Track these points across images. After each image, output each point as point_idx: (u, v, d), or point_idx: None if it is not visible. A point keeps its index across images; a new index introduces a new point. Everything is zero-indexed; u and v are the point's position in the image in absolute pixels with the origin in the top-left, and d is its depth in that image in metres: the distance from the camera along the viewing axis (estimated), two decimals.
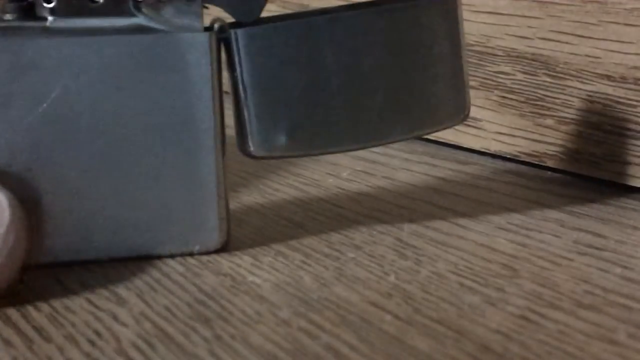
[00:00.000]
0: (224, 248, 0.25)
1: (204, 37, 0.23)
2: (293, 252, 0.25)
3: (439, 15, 0.25)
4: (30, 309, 0.21)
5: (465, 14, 0.34)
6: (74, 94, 0.23)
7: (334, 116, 0.25)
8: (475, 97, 0.35)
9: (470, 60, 0.35)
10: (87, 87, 0.23)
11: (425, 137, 0.37)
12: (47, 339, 0.20)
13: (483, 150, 0.35)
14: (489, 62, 0.34)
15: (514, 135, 0.33)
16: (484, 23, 0.34)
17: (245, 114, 0.24)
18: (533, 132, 0.32)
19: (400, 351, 0.19)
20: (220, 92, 0.24)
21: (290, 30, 0.24)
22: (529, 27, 0.32)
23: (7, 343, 0.20)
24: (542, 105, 0.32)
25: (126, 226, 0.24)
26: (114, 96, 0.23)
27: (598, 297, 0.21)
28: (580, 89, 0.31)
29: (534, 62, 0.32)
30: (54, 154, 0.23)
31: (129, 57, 0.23)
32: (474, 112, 0.35)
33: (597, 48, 0.30)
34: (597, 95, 0.30)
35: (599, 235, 0.25)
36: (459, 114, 0.26)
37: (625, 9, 0.29)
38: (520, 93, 0.33)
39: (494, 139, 0.34)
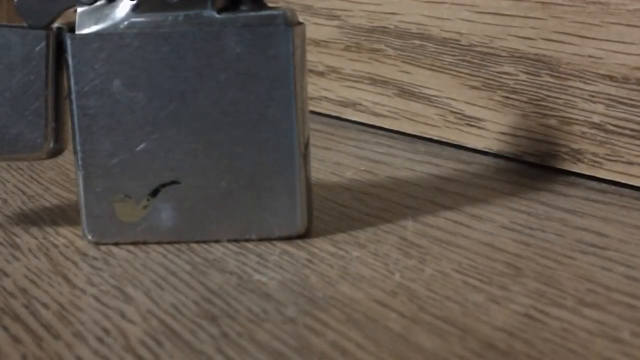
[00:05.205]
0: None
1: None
2: (298, 251, 0.25)
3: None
4: (38, 306, 0.22)
5: (469, 15, 0.34)
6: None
7: None
8: (479, 97, 0.35)
9: (473, 60, 0.35)
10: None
11: (429, 137, 0.37)
12: (56, 336, 0.20)
13: (486, 150, 0.35)
14: (492, 63, 0.34)
15: (516, 135, 0.33)
16: (487, 24, 0.34)
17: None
18: (536, 132, 0.33)
19: (405, 348, 0.19)
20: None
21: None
22: (532, 27, 0.32)
23: (16, 340, 0.20)
24: (545, 106, 0.32)
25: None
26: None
27: (601, 295, 0.21)
28: (582, 89, 0.31)
29: (536, 63, 0.32)
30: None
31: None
32: (477, 112, 0.35)
33: (599, 49, 0.30)
34: (599, 95, 0.30)
35: (602, 235, 0.26)
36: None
37: (628, 10, 0.29)
38: (523, 93, 0.33)
39: (497, 139, 0.34)
